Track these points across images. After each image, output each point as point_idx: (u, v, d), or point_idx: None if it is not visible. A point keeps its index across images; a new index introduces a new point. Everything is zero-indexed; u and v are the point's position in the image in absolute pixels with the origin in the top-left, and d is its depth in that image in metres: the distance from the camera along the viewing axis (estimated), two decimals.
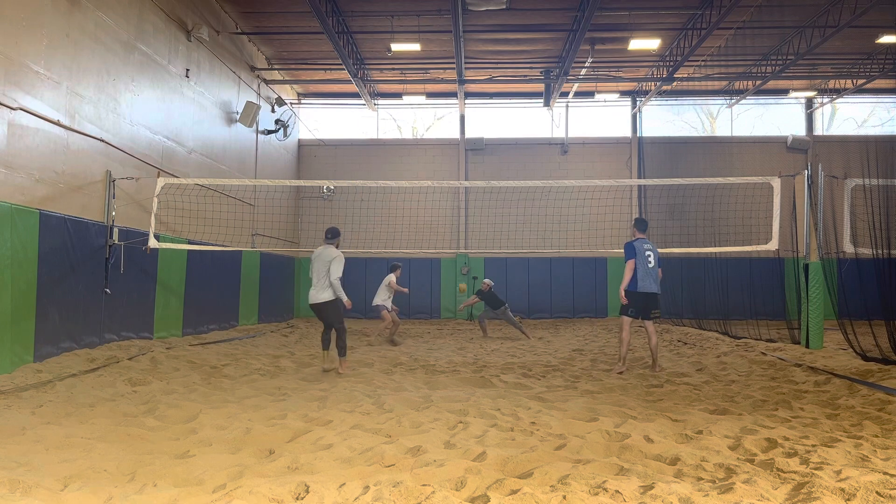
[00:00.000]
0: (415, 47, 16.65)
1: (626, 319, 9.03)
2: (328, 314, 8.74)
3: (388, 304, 13.53)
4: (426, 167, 21.39)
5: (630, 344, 9.23)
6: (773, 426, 5.33)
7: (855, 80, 19.27)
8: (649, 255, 8.93)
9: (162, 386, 7.38)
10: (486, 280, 14.97)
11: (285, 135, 19.29)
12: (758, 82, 18.33)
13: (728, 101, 20.95)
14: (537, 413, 5.91)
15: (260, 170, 17.57)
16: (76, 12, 9.49)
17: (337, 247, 8.83)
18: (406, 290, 14.28)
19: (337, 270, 8.53)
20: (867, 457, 4.35)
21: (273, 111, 18.63)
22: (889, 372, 7.73)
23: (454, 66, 17.23)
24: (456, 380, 8.10)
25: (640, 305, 8.97)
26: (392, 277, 13.57)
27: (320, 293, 8.63)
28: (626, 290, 8.91)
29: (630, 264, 8.93)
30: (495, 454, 4.45)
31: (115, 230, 10.43)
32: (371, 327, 17.38)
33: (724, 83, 19.61)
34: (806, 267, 10.55)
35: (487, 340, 14.01)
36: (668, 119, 22.20)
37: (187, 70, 13.23)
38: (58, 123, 9.08)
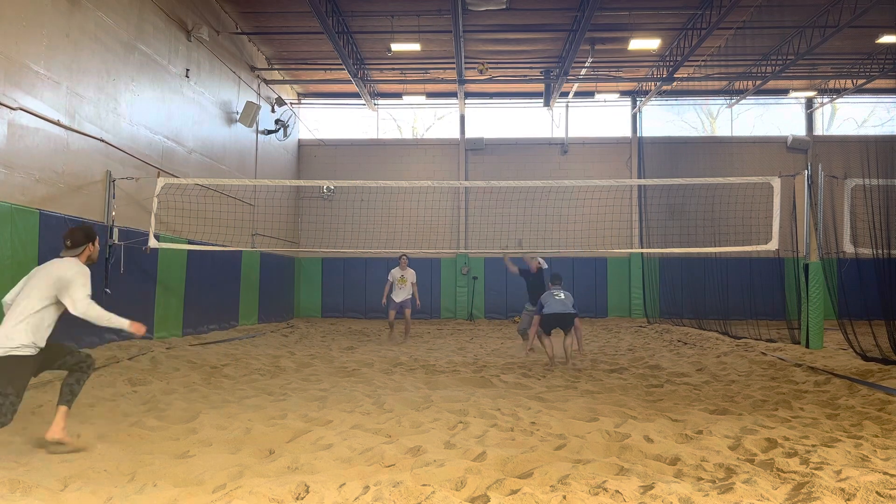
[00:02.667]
0: (415, 47, 16.65)
1: (543, 336, 9.62)
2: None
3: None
4: (426, 167, 21.39)
5: (549, 345, 9.55)
6: (773, 426, 5.33)
7: (855, 80, 19.27)
8: (558, 297, 9.62)
9: (162, 386, 7.37)
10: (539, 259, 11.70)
11: (285, 135, 19.29)
12: (758, 82, 18.33)
13: (728, 101, 20.94)
14: (537, 413, 5.91)
15: (260, 170, 17.57)
16: (76, 12, 9.50)
17: (87, 260, 5.09)
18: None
19: (79, 293, 4.81)
20: (867, 457, 4.35)
21: (273, 111, 18.63)
22: (889, 372, 7.73)
23: (454, 66, 17.23)
24: (456, 380, 8.10)
25: (550, 325, 9.58)
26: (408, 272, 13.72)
27: (6, 335, 4.65)
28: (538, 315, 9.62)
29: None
30: (495, 454, 4.45)
31: (115, 230, 10.43)
32: (370, 327, 17.39)
33: (724, 83, 19.61)
34: (806, 267, 10.55)
35: (489, 339, 13.98)
36: (668, 119, 22.20)
37: (187, 70, 13.23)
38: (58, 123, 9.08)
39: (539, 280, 11.09)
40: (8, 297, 4.95)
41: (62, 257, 5.00)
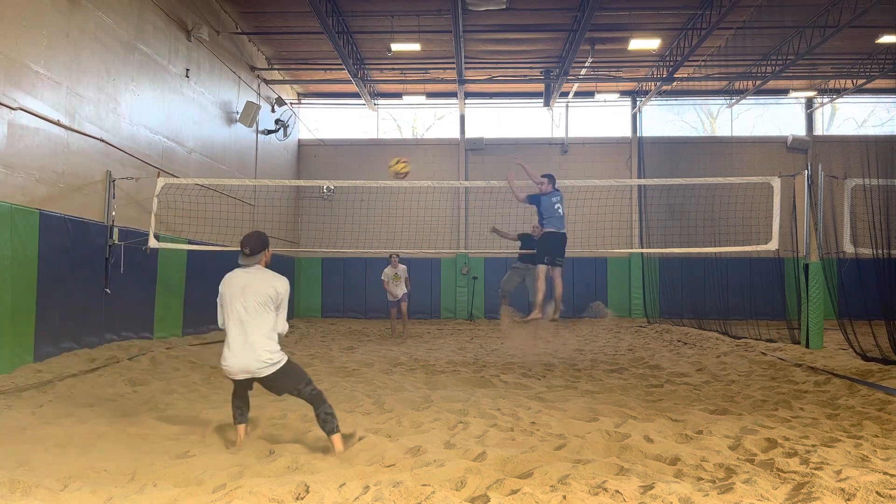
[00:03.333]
0: (415, 47, 16.65)
1: (542, 268, 9.57)
2: (281, 384, 4.87)
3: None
4: (426, 167, 21.38)
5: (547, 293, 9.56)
6: (773, 426, 5.33)
7: (855, 80, 19.26)
8: (558, 207, 9.57)
9: (162, 386, 7.37)
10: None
11: (285, 135, 19.29)
12: (758, 82, 18.33)
13: (728, 101, 20.94)
14: (537, 413, 5.91)
15: (260, 170, 17.57)
16: (76, 12, 9.49)
17: (266, 265, 5.03)
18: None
19: (284, 319, 4.97)
20: (867, 457, 4.35)
21: (273, 111, 18.63)
22: (889, 372, 7.73)
23: (454, 66, 17.23)
24: (456, 380, 8.10)
25: (550, 248, 9.51)
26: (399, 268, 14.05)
27: (261, 354, 4.72)
28: (543, 231, 9.56)
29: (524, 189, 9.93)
30: (495, 454, 4.45)
31: (115, 230, 10.42)
32: (370, 327, 17.39)
33: (724, 83, 19.60)
34: (806, 267, 10.55)
35: (489, 339, 13.98)
36: (668, 119, 22.19)
37: (187, 70, 13.23)
38: (58, 123, 9.08)
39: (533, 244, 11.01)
40: (222, 321, 4.89)
41: (249, 266, 4.91)
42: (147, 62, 11.63)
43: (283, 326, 4.91)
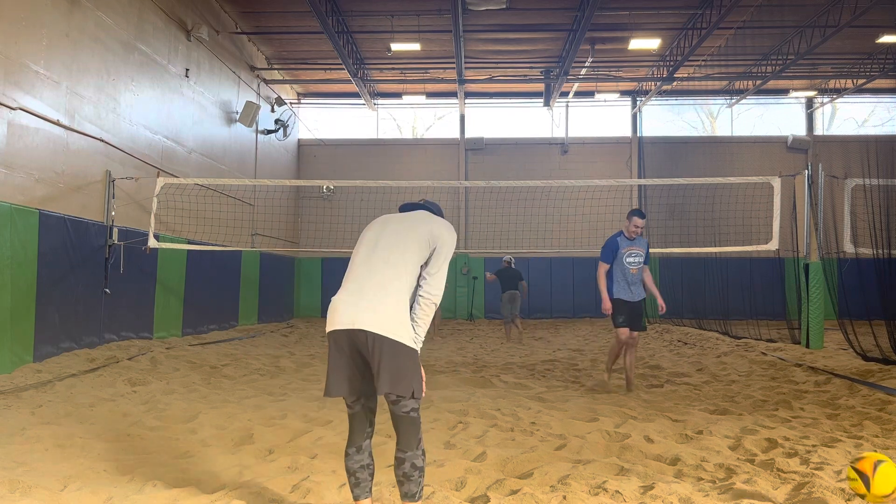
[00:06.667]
0: (415, 47, 16.65)
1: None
2: (392, 369, 3.35)
3: None
4: (426, 167, 21.37)
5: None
6: (774, 426, 5.33)
7: (855, 80, 19.26)
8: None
9: (162, 386, 7.37)
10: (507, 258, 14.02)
11: (285, 135, 19.29)
12: (758, 82, 18.33)
13: (728, 101, 20.94)
14: (537, 413, 5.91)
15: (260, 170, 17.56)
16: (76, 12, 9.49)
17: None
18: None
19: (442, 276, 3.25)
20: None
21: (273, 111, 18.62)
22: (889, 372, 7.72)
23: (454, 66, 17.23)
24: (456, 380, 8.10)
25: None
26: None
27: (384, 308, 3.14)
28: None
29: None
30: (495, 454, 4.45)
31: (115, 230, 10.42)
32: None
33: (725, 83, 19.61)
34: (806, 267, 10.54)
35: (489, 339, 13.98)
36: (668, 119, 22.20)
37: (187, 70, 13.22)
38: (58, 123, 9.08)
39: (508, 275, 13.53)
40: (360, 257, 3.27)
41: (428, 212, 3.40)
42: (147, 62, 11.63)
43: (440, 286, 3.27)
